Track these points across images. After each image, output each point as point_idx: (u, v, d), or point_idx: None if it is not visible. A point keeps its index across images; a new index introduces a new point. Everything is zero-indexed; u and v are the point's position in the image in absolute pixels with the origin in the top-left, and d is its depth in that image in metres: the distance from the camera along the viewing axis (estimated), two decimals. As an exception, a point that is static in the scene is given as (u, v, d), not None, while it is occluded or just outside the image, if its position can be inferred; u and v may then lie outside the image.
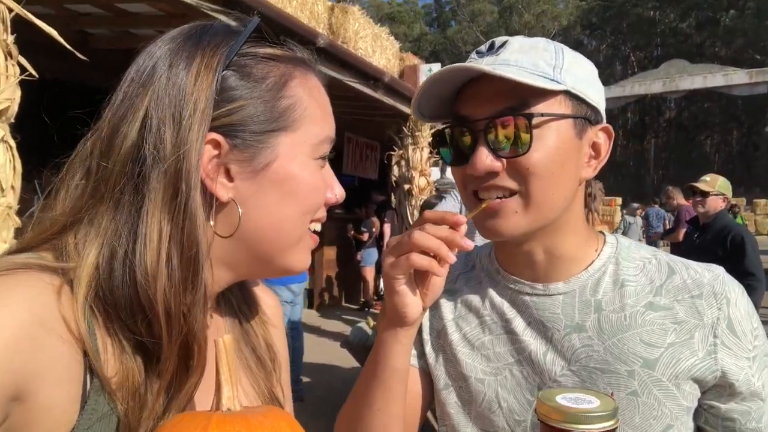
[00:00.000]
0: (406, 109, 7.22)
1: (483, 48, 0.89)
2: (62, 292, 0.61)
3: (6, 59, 2.05)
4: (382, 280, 0.93)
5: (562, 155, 0.84)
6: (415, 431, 1.00)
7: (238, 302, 0.84)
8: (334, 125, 0.75)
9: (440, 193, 5.62)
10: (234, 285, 0.81)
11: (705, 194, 4.32)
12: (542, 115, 0.82)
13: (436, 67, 7.96)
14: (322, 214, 0.75)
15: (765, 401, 0.86)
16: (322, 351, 6.72)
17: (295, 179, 0.70)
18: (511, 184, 0.84)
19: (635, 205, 12.87)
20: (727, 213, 4.41)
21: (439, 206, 3.76)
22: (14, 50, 2.08)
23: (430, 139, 7.25)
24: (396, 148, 7.54)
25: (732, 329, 0.86)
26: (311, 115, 0.71)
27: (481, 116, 0.83)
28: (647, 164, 61.42)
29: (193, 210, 0.63)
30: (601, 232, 0.99)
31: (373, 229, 9.69)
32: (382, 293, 9.65)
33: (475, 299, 0.99)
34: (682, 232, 6.36)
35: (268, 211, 0.69)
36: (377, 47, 7.07)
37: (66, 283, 0.62)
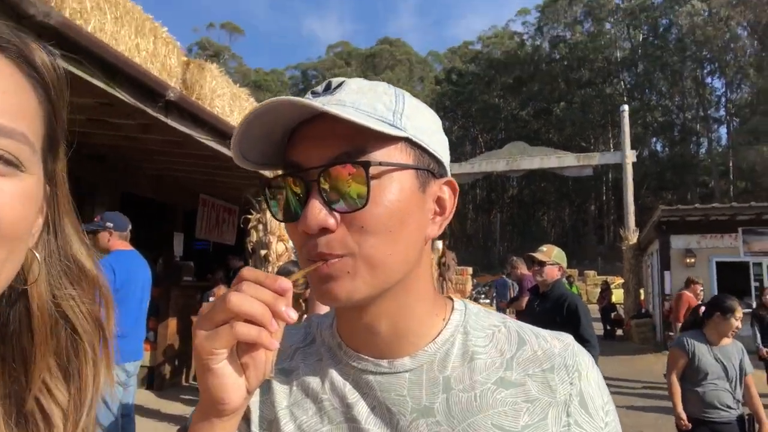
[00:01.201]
0: (265, 172, 7.02)
1: (319, 88, 0.78)
2: None
3: None
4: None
5: (403, 210, 0.73)
6: None
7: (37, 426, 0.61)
8: None
9: (295, 260, 5.41)
10: None
11: (542, 263, 4.60)
12: (380, 163, 0.70)
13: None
14: None
15: None
16: (158, 436, 5.98)
17: None
18: (348, 242, 0.71)
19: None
20: (563, 282, 4.72)
21: None
22: None
23: (288, 204, 7.08)
24: (253, 212, 7.26)
25: (584, 406, 0.77)
26: None
27: (314, 164, 0.71)
28: (494, 236, 66.49)
29: None
30: (449, 297, 0.88)
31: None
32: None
33: (313, 381, 0.83)
34: (525, 299, 6.75)
35: None
36: (236, 107, 6.88)
37: None
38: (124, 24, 4.53)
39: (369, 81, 0.78)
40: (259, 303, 0.61)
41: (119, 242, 4.42)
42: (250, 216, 7.33)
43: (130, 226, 4.51)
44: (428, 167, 0.76)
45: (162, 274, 8.60)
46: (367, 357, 0.79)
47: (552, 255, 4.63)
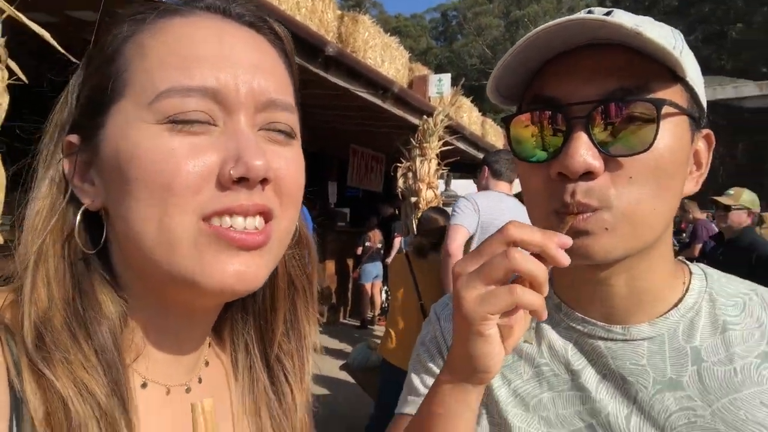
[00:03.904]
0: (415, 120, 7.08)
1: (578, 15, 0.70)
2: None
3: (-6, 62, 1.92)
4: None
5: (676, 162, 0.67)
6: None
7: (272, 357, 0.69)
8: (204, 70, 0.53)
9: (438, 207, 5.41)
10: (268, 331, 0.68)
11: (727, 208, 4.17)
12: (671, 104, 0.64)
13: (446, 78, 7.85)
14: (222, 202, 0.52)
15: None
16: (323, 368, 6.53)
17: (125, 159, 0.51)
18: (609, 194, 0.65)
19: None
20: (753, 229, 4.24)
21: (458, 217, 3.49)
22: (3, 53, 1.95)
23: (438, 151, 7.10)
24: (403, 160, 7.40)
25: None
26: (144, 67, 0.53)
27: (582, 98, 0.65)
28: (653, 178, 61.07)
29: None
30: (680, 259, 0.81)
31: (368, 243, 9.38)
32: (386, 308, 9.44)
33: (526, 342, 0.80)
34: (698, 247, 6.21)
35: (117, 211, 0.53)
36: (387, 57, 6.98)
37: None
38: (284, -16, 4.76)
39: (633, 14, 0.70)
40: (541, 264, 0.58)
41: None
42: (400, 164, 7.48)
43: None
44: (697, 116, 0.70)
45: (318, 220, 9.19)
46: (595, 321, 0.74)
47: (740, 199, 4.18)
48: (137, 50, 0.54)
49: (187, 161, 0.51)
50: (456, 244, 3.33)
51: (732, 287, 0.77)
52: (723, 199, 4.20)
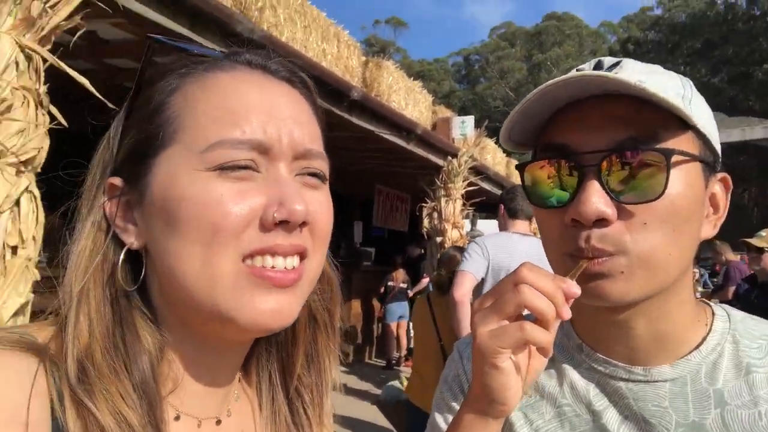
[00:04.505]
0: (439, 161, 7.16)
1: (586, 66, 0.73)
2: None
3: (37, 108, 2.01)
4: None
5: (689, 207, 0.68)
6: None
7: (292, 389, 0.71)
8: (253, 124, 0.57)
9: (459, 245, 5.39)
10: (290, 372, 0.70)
11: (760, 250, 4.07)
12: (681, 153, 0.66)
13: (469, 120, 7.95)
14: (264, 242, 0.56)
15: None
16: (349, 409, 6.45)
17: (174, 201, 0.55)
18: (624, 239, 0.66)
19: None
20: (788, 272, 4.13)
21: (465, 263, 3.49)
22: (45, 99, 2.05)
23: (463, 191, 7.13)
24: (428, 200, 7.45)
25: None
26: (195, 117, 0.57)
27: (593, 147, 0.66)
28: (682, 219, 59.75)
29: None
30: (703, 301, 0.81)
31: (391, 283, 9.38)
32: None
33: (548, 383, 0.80)
34: (731, 289, 6.06)
35: (160, 250, 0.57)
36: (410, 100, 7.13)
37: None
38: (311, 31, 4.93)
39: (642, 63, 0.73)
40: (549, 302, 0.60)
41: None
42: (425, 204, 7.52)
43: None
44: (710, 161, 0.71)
45: (340, 260, 9.23)
46: (616, 362, 0.75)
47: None
48: (186, 102, 0.59)
49: (235, 205, 0.55)
50: (462, 290, 3.29)
51: (757, 329, 0.76)
52: (755, 241, 4.12)
